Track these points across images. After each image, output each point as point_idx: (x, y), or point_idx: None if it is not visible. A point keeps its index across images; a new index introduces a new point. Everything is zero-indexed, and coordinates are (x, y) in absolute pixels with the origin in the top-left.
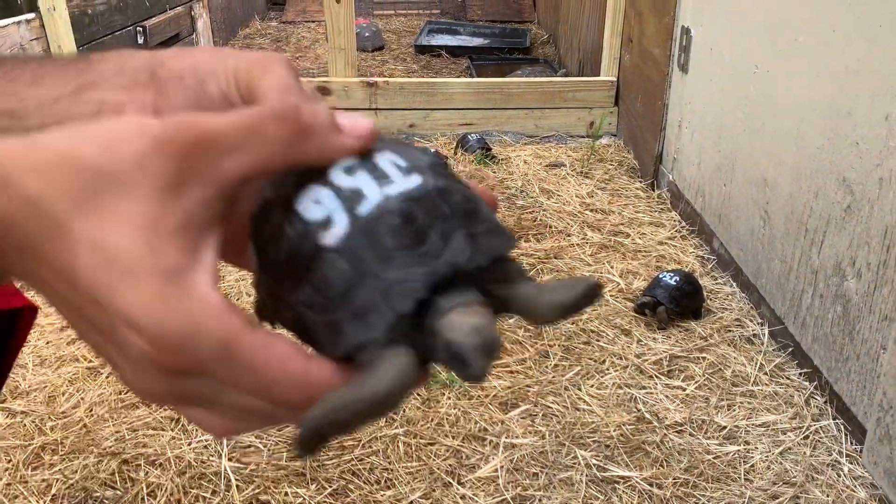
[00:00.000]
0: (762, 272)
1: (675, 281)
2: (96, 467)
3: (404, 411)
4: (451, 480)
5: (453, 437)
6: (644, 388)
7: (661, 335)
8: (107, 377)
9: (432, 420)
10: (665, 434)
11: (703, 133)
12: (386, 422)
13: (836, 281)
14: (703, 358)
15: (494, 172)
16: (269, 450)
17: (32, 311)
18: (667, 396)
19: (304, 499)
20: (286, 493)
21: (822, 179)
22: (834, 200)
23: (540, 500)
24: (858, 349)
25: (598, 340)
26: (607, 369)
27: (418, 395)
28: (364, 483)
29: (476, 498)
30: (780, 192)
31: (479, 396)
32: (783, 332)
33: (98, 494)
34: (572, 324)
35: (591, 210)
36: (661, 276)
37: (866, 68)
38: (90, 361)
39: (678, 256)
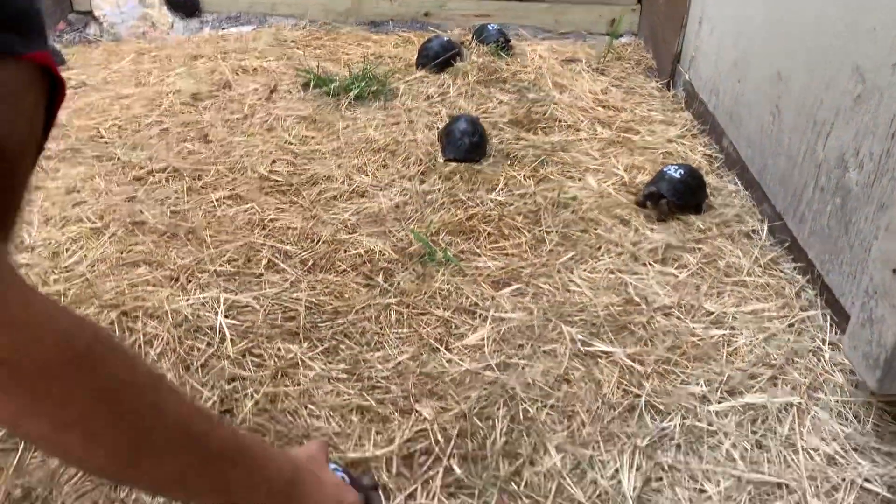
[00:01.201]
0: (767, 169)
1: (680, 175)
2: (96, 317)
3: (398, 284)
4: (439, 346)
5: (444, 309)
6: (636, 273)
7: (659, 227)
8: (109, 237)
9: (425, 293)
10: (652, 316)
11: (722, 28)
12: (380, 291)
13: (838, 173)
14: (699, 249)
15: (508, 65)
16: (264, 310)
17: (63, 85)
18: (658, 282)
19: (296, 354)
20: (279, 349)
21: (836, 69)
22: (845, 90)
23: (523, 368)
24: (853, 240)
25: (595, 229)
26: (601, 255)
27: (414, 270)
28: (355, 344)
29: (461, 362)
30: (793, 84)
31: (472, 275)
32: (782, 227)
33: None
34: (572, 212)
35: (604, 106)
36: (665, 169)
37: None
38: (94, 223)
39: (686, 154)
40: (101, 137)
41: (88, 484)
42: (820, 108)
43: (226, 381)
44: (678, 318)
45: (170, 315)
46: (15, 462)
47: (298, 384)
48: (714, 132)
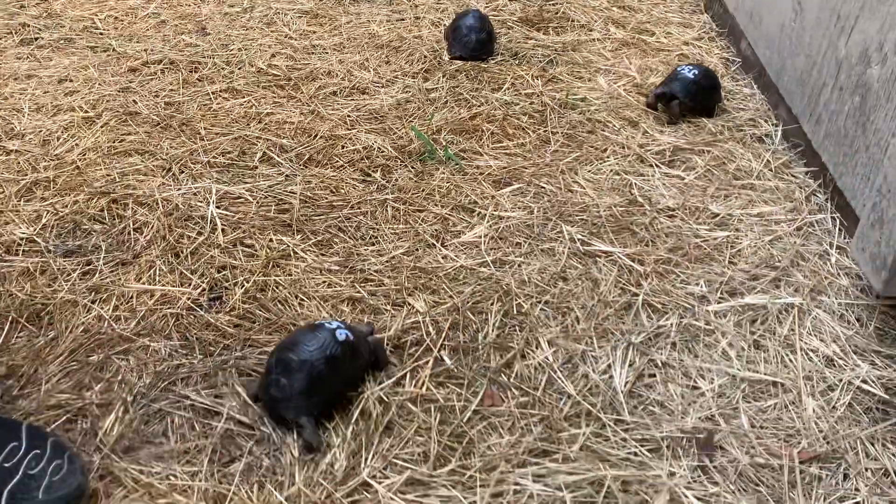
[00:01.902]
0: (785, 70)
1: (693, 75)
2: (86, 204)
3: (396, 180)
4: (435, 242)
5: (442, 207)
6: (642, 175)
7: (669, 129)
8: (101, 127)
9: (423, 190)
10: (655, 217)
11: None
12: (377, 188)
13: (859, 70)
14: (709, 152)
15: None
16: (257, 202)
17: None
18: (664, 184)
19: (288, 245)
20: (271, 240)
21: None
22: None
23: (519, 266)
24: (869, 140)
25: (602, 130)
26: (607, 157)
27: (413, 167)
28: (349, 238)
29: (457, 258)
30: None
31: (473, 174)
32: (796, 131)
33: (87, 227)
34: (579, 113)
35: (619, 6)
36: (679, 69)
37: None
38: (86, 112)
39: (702, 57)
40: (96, 28)
41: (75, 364)
42: (845, 1)
43: (216, 269)
44: (682, 219)
45: (160, 204)
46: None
47: (290, 275)
48: (733, 34)
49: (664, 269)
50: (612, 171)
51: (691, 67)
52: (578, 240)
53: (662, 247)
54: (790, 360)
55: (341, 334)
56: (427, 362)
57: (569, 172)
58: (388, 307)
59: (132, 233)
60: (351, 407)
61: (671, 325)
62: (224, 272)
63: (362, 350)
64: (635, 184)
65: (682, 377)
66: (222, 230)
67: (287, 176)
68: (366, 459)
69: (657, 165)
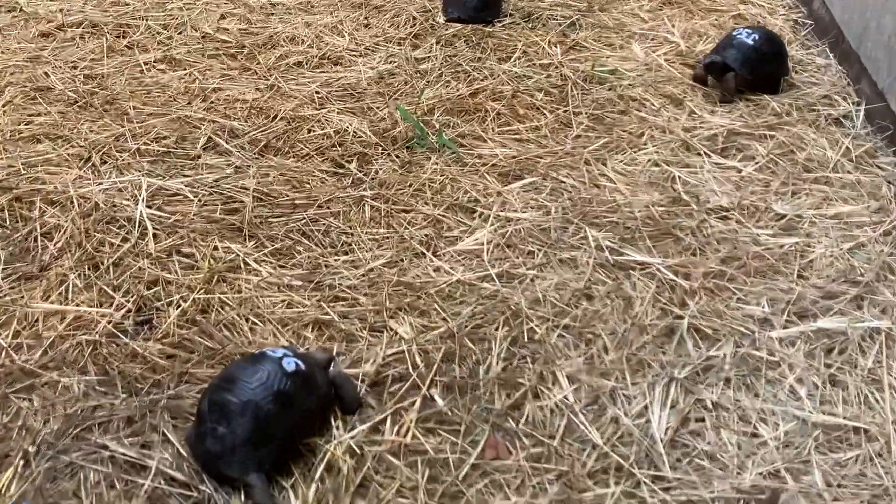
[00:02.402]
0: (869, 34)
1: (753, 41)
2: None
3: (377, 173)
4: (425, 251)
5: (435, 206)
6: (688, 166)
7: (722, 108)
8: (3, 106)
9: (411, 185)
10: (704, 219)
11: None
12: (352, 182)
13: None
14: (772, 137)
15: None
16: (200, 200)
17: None
18: (715, 177)
19: (238, 254)
20: (216, 248)
21: None
22: None
23: (532, 280)
24: None
25: (638, 110)
26: (644, 143)
27: (398, 156)
28: (316, 245)
29: (452, 271)
30: None
31: (474, 164)
32: (883, 111)
33: None
34: (609, 89)
35: None
36: (735, 32)
37: None
38: None
39: (763, 19)
40: None
41: None
42: None
43: (145, 284)
44: (738, 222)
45: (76, 202)
46: None
47: (239, 291)
48: None
49: (715, 285)
50: (649, 161)
51: (750, 31)
52: (607, 248)
53: (713, 256)
54: (876, 400)
55: (290, 364)
56: (413, 403)
57: (595, 163)
58: (365, 333)
59: (39, 239)
60: (313, 459)
61: (725, 355)
62: (155, 289)
63: (318, 381)
64: (679, 177)
65: (738, 422)
66: (154, 236)
67: (238, 167)
68: None
69: (707, 154)
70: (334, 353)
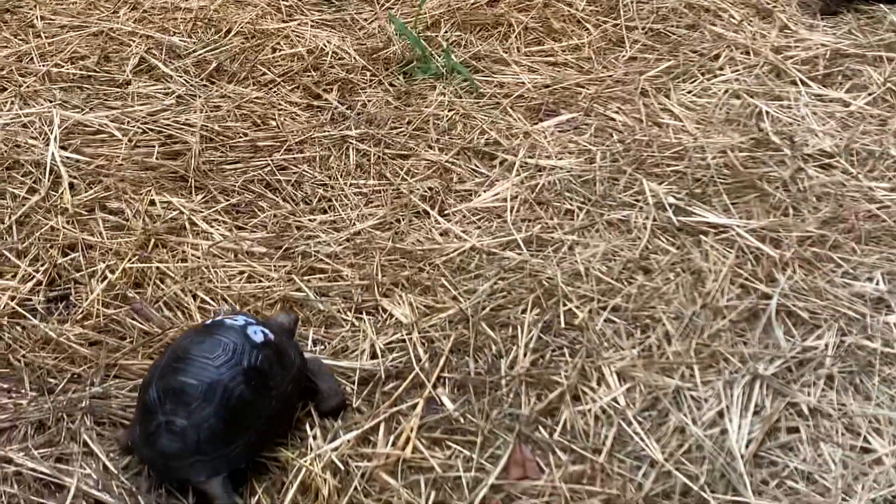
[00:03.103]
0: None
1: None
2: None
3: (364, 105)
4: (429, 209)
5: (441, 150)
6: (778, 98)
7: (825, 22)
8: None
9: (409, 123)
10: (800, 168)
11: None
12: (332, 117)
13: None
14: (890, 60)
15: None
16: (130, 140)
17: None
18: (814, 113)
19: (180, 211)
20: (152, 203)
21: None
22: None
23: (570, 248)
24: None
25: (713, 24)
26: (720, 68)
27: (392, 85)
28: (284, 200)
29: (465, 235)
30: None
31: (494, 96)
32: None
33: None
34: None
35: None
36: None
37: None
38: None
39: None
40: None
41: None
42: None
43: (60, 250)
44: (845, 171)
45: None
46: None
47: (184, 260)
48: None
49: (814, 255)
50: (727, 91)
51: None
52: (670, 206)
53: (811, 217)
54: None
55: (256, 333)
56: (414, 406)
57: (655, 94)
58: (350, 315)
59: None
60: (285, 478)
61: (826, 346)
62: (73, 255)
63: (292, 356)
64: (767, 113)
65: (843, 432)
66: (71, 186)
67: (180, 97)
68: None
69: (804, 83)
70: (296, 316)
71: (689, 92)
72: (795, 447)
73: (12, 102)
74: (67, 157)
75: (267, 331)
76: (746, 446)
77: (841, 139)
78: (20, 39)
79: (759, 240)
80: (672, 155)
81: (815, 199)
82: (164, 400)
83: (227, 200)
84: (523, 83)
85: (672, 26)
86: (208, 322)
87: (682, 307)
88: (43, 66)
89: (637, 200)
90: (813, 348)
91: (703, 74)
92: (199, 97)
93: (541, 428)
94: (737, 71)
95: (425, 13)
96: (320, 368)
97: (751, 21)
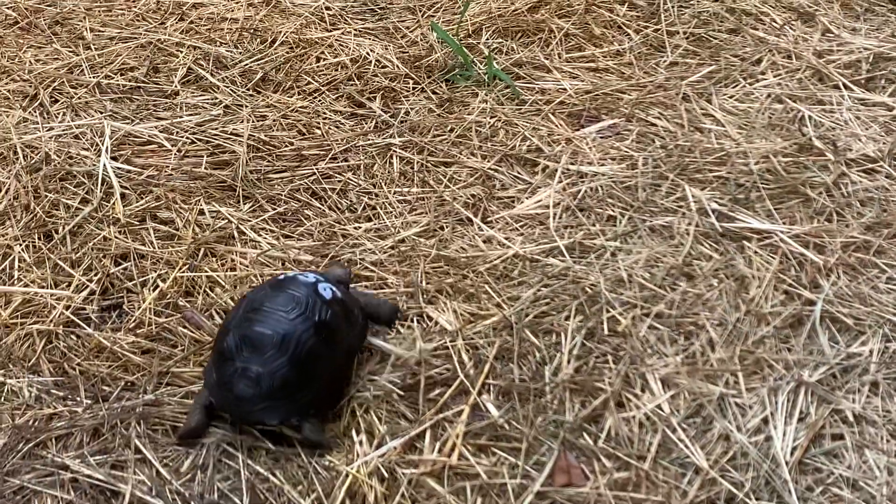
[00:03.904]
0: None
1: None
2: None
3: (407, 114)
4: (472, 216)
5: (483, 157)
6: (821, 102)
7: (867, 24)
8: None
9: (452, 131)
10: (843, 173)
11: None
12: (376, 126)
13: None
14: None
15: None
16: (179, 150)
17: None
18: (858, 117)
19: (230, 221)
20: (201, 212)
21: None
22: None
23: (613, 254)
24: None
25: (754, 28)
26: (762, 72)
27: (434, 93)
28: (329, 209)
29: (509, 241)
30: None
31: (535, 102)
32: None
33: None
34: (715, 0)
35: None
36: None
37: None
38: None
39: None
40: None
41: None
42: None
43: (112, 259)
44: (889, 176)
45: (21, 153)
46: None
47: (233, 268)
48: None
49: (859, 261)
50: (770, 95)
51: None
52: (713, 211)
53: (856, 223)
54: None
55: (325, 290)
56: (460, 413)
57: (696, 98)
58: (395, 323)
59: None
60: (333, 484)
61: (871, 352)
62: (125, 265)
63: (356, 313)
64: (810, 117)
65: (888, 439)
66: (122, 196)
67: (227, 108)
68: None
69: (848, 87)
70: (349, 269)
71: (731, 97)
72: (840, 454)
73: (64, 114)
74: (119, 168)
75: (335, 288)
76: (791, 453)
77: (884, 143)
78: (70, 51)
79: (803, 245)
80: (714, 160)
81: (858, 205)
82: (241, 348)
83: (274, 209)
84: (564, 89)
85: (713, 31)
86: (281, 276)
87: (725, 314)
88: (93, 77)
89: (679, 206)
90: (857, 355)
91: (744, 79)
92: (246, 107)
93: (585, 435)
94: (779, 75)
95: (467, 20)
96: (369, 300)
97: (793, 25)
